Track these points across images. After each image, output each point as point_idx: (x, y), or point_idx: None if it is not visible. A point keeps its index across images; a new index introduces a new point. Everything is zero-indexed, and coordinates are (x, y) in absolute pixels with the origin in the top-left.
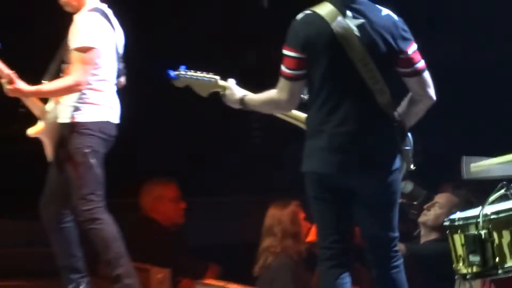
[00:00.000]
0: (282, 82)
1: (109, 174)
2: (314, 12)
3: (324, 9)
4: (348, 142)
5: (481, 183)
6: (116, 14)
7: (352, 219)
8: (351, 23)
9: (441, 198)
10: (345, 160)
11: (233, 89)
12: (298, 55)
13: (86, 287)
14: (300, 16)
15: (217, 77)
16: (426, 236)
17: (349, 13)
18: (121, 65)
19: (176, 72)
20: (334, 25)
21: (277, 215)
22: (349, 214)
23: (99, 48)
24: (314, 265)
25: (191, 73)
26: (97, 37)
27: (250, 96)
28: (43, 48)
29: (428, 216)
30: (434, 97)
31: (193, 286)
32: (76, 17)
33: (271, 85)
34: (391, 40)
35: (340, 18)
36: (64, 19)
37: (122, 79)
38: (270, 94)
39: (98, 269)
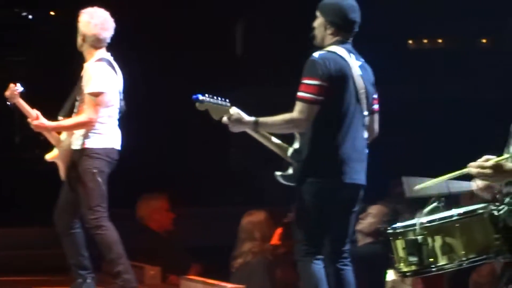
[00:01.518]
0: (301, 105)
1: (111, 189)
2: (333, 52)
3: (340, 50)
4: (360, 160)
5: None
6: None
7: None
8: (355, 63)
9: (373, 209)
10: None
11: (242, 114)
12: (321, 83)
13: (92, 281)
14: (320, 54)
15: (229, 104)
16: (363, 240)
17: (352, 55)
18: (122, 103)
19: (201, 97)
20: (350, 63)
21: (256, 222)
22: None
23: (107, 92)
24: (280, 262)
25: (211, 98)
26: (106, 83)
27: (264, 118)
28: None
29: (363, 224)
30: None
31: (179, 281)
32: (86, 65)
33: None
34: (373, 81)
35: (351, 58)
36: (71, 68)
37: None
38: (290, 115)
39: (102, 266)
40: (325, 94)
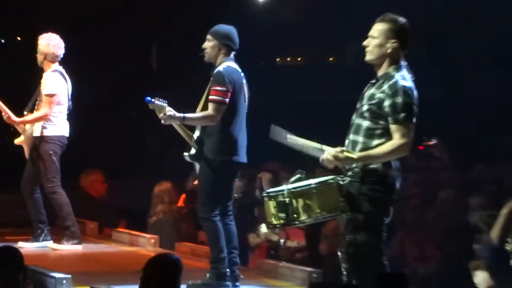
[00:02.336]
0: (214, 105)
1: (63, 165)
2: (232, 67)
3: (235, 65)
4: (245, 146)
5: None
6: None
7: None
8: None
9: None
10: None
11: (173, 111)
12: (228, 89)
13: (48, 232)
14: (224, 68)
15: (166, 104)
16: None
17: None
18: (70, 102)
19: (152, 100)
20: (241, 74)
21: (165, 190)
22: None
23: (59, 94)
24: (184, 219)
25: (157, 100)
26: (58, 88)
27: (188, 114)
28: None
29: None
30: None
31: (111, 232)
32: (45, 75)
33: None
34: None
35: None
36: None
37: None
38: (207, 112)
39: (56, 222)
40: (230, 97)
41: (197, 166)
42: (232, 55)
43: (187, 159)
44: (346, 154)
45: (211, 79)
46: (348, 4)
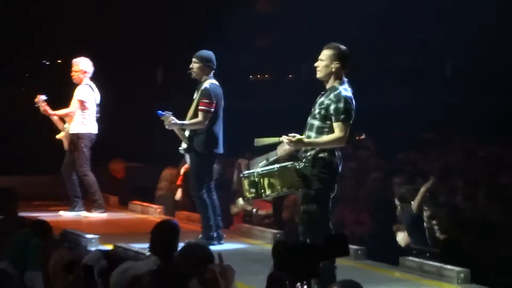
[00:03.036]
0: (203, 114)
1: (93, 155)
2: (215, 83)
3: (216, 82)
4: (221, 141)
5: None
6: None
7: None
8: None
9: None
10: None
11: (176, 120)
12: (213, 101)
13: (81, 204)
14: (210, 85)
15: (171, 114)
16: None
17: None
18: (97, 108)
19: (162, 113)
20: (220, 89)
21: (169, 173)
22: None
23: (87, 101)
24: (182, 194)
25: (166, 113)
26: (87, 96)
27: (186, 121)
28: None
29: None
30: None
31: (129, 205)
32: (78, 87)
33: None
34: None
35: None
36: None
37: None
38: (199, 120)
39: (87, 196)
40: (214, 107)
41: (188, 157)
42: (212, 73)
43: (181, 151)
44: (297, 137)
45: (199, 93)
46: (302, 35)
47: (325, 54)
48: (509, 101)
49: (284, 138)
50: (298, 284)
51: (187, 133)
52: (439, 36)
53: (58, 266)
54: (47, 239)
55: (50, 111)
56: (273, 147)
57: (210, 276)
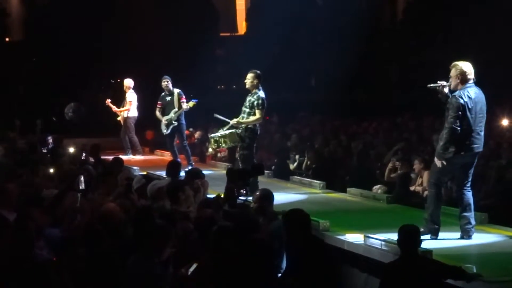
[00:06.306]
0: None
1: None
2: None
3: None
4: None
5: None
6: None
7: None
8: None
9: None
10: None
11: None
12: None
13: (129, 152)
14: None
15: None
16: None
17: None
18: (137, 104)
19: (197, 100)
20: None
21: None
22: None
23: (132, 101)
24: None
25: (194, 100)
26: (132, 98)
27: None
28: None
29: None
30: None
31: (156, 151)
32: (128, 92)
33: None
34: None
35: None
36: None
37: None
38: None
39: (133, 148)
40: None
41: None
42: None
43: (174, 123)
44: (237, 120)
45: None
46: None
47: (249, 76)
48: None
49: (233, 121)
50: (242, 190)
51: (171, 115)
52: None
53: (124, 177)
54: (117, 166)
55: (114, 108)
56: (225, 124)
57: (196, 185)
